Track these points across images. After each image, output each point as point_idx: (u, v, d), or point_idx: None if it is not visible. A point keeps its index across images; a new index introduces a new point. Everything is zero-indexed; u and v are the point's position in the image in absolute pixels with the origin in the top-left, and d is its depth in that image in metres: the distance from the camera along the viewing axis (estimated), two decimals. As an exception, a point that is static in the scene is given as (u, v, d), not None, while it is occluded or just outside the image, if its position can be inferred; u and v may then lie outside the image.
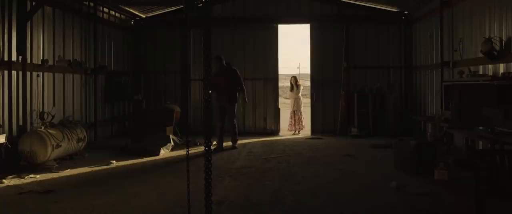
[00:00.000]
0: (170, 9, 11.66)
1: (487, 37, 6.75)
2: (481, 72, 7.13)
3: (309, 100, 12.38)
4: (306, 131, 11.70)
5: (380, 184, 5.79)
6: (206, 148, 3.23)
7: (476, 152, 4.63)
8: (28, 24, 7.32)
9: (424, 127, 9.93)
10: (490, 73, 6.81)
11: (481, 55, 6.89)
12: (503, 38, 6.50)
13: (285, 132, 11.71)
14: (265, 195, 5.28)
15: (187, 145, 3.75)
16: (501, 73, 6.38)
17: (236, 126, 8.98)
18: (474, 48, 7.49)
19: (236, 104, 8.89)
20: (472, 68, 7.34)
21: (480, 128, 5.88)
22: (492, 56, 6.61)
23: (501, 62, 6.59)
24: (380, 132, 10.71)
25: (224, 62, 8.93)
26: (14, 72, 7.02)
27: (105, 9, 10.27)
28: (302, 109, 11.81)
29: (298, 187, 5.66)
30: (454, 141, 8.15)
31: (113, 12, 10.69)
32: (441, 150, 7.28)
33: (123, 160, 7.46)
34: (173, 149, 8.58)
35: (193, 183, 3.59)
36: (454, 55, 8.36)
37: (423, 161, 6.24)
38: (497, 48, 6.54)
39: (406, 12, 11.24)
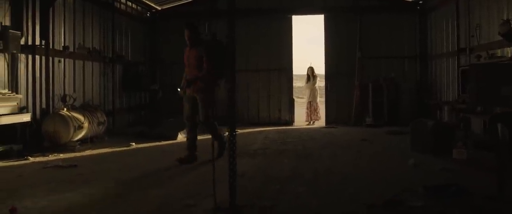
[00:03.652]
0: (185, 1, 11.83)
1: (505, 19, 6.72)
2: (499, 55, 7.10)
3: (322, 99, 12.38)
4: (321, 122, 11.72)
5: (397, 162, 5.81)
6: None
7: (496, 115, 4.63)
8: (51, 11, 7.53)
9: (440, 115, 9.89)
10: (509, 56, 6.78)
11: (498, 38, 6.87)
12: (522, 20, 6.47)
13: (300, 123, 11.75)
14: (284, 171, 5.35)
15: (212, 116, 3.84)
16: (520, 52, 6.34)
17: (216, 126, 5.91)
18: (491, 33, 7.46)
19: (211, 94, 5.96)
20: (489, 52, 7.31)
21: (498, 109, 5.86)
22: (510, 37, 6.57)
23: (519, 44, 6.56)
24: (395, 121, 10.66)
25: (206, 34, 6.94)
26: (37, 57, 7.22)
27: (123, 0, 10.47)
28: (318, 99, 11.85)
29: (315, 165, 5.72)
30: (471, 127, 8.10)
31: (130, 3, 10.89)
32: (458, 135, 7.25)
33: (142, 143, 7.60)
34: (190, 135, 8.69)
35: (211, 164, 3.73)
36: (471, 41, 8.32)
37: (441, 142, 6.23)
38: (516, 29, 6.50)
39: (420, 2, 11.20)
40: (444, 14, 9.87)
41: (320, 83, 12.61)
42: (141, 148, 7.27)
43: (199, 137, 6.02)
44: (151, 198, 4.08)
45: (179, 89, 6.03)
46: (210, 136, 5.90)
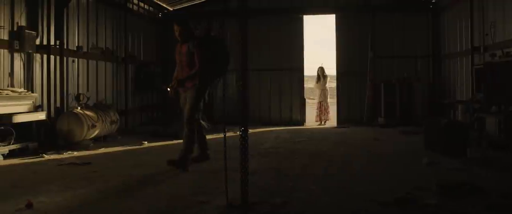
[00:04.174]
0: (196, 1, 11.91)
1: (520, 16, 6.62)
2: (514, 53, 6.98)
3: (334, 100, 12.29)
4: (332, 122, 11.67)
5: (411, 161, 5.76)
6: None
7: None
8: (65, 11, 7.65)
9: (454, 114, 9.75)
10: (525, 54, 6.66)
11: (514, 36, 6.76)
12: (538, 16, 6.36)
13: (311, 123, 11.72)
14: (295, 169, 5.35)
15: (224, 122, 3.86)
16: (537, 50, 6.23)
17: (194, 135, 5.43)
18: (507, 31, 7.34)
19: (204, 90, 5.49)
20: (505, 50, 7.19)
21: (514, 107, 5.77)
22: (526, 35, 6.47)
23: (535, 42, 6.44)
24: (408, 121, 10.55)
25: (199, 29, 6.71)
26: (52, 57, 7.35)
27: (135, 1, 10.59)
28: (328, 100, 11.80)
29: (327, 163, 5.71)
30: (485, 126, 7.96)
31: (142, 4, 11.00)
32: (472, 134, 7.14)
33: (154, 142, 7.67)
34: (201, 134, 8.74)
35: (222, 162, 3.75)
36: (485, 39, 8.21)
37: (455, 141, 6.15)
38: (532, 26, 6.40)
39: (433, 0, 11.09)
40: (457, 13, 9.75)
41: (331, 83, 12.54)
42: (154, 146, 7.34)
43: (208, 136, 5.96)
44: (164, 194, 4.11)
45: (168, 89, 5.60)
46: (219, 135, 5.77)
